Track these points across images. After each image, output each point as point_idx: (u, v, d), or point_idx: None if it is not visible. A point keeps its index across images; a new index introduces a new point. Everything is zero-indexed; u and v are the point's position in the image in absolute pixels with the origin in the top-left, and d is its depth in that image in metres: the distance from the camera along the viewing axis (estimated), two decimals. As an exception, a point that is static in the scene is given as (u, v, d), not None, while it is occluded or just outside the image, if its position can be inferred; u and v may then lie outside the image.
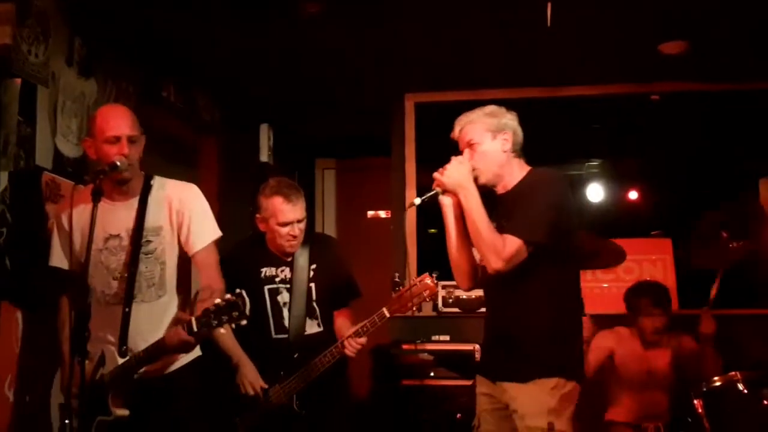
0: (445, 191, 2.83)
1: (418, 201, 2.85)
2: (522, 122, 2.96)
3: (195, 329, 2.67)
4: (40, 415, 3.05)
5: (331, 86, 5.41)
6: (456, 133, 2.93)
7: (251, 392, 3.33)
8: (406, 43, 4.61)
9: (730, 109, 5.54)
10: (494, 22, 4.29)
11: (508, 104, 3.02)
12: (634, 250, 4.51)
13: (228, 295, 2.61)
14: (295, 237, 3.39)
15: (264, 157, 6.02)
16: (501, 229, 2.72)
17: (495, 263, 2.66)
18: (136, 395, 2.85)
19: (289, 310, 3.41)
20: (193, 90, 5.19)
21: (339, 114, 6.08)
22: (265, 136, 6.04)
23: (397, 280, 5.06)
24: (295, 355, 3.36)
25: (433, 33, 4.45)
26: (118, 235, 2.91)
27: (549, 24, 4.08)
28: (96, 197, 2.69)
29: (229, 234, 5.16)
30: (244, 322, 2.59)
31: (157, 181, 3.02)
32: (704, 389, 3.63)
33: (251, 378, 3.35)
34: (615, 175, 6.70)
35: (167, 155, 3.14)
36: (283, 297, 3.44)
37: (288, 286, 3.44)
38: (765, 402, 3.50)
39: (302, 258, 3.46)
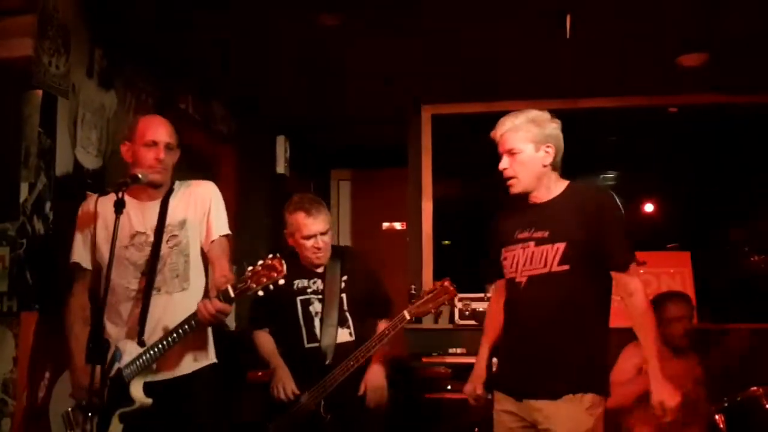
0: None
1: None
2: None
3: (232, 295, 2.74)
4: (39, 423, 3.08)
5: (348, 97, 5.44)
6: (497, 135, 2.85)
7: (284, 397, 3.40)
8: (423, 54, 4.62)
9: (748, 122, 5.52)
10: (513, 34, 4.30)
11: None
12: (653, 263, 4.49)
13: (269, 257, 2.73)
14: (319, 248, 3.49)
15: (280, 168, 6.05)
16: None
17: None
18: (151, 395, 2.90)
19: (321, 320, 3.48)
20: (211, 101, 5.22)
21: (355, 125, 6.11)
22: (282, 148, 6.07)
23: (413, 292, 5.09)
24: (327, 362, 3.42)
25: (450, 45, 4.46)
26: (144, 233, 3.01)
27: (568, 35, 4.09)
28: (119, 209, 2.72)
29: (246, 243, 5.23)
30: (282, 281, 2.71)
31: (179, 184, 3.15)
32: (726, 404, 3.59)
33: (285, 383, 3.42)
34: (631, 187, 6.69)
35: (185, 165, 3.18)
36: (315, 307, 3.52)
37: (320, 296, 3.52)
38: (787, 418, 3.47)
39: (334, 270, 3.56)
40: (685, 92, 5.26)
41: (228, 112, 5.43)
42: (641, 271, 4.62)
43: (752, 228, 4.04)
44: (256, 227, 5.73)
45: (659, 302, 4.18)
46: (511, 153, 2.79)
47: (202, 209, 3.08)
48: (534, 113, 2.80)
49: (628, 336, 4.23)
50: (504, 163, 2.81)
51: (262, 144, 5.96)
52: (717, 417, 3.57)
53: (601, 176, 6.54)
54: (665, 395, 2.67)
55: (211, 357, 3.10)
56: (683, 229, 6.01)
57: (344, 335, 3.51)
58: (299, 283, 3.55)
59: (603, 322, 2.79)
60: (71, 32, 3.66)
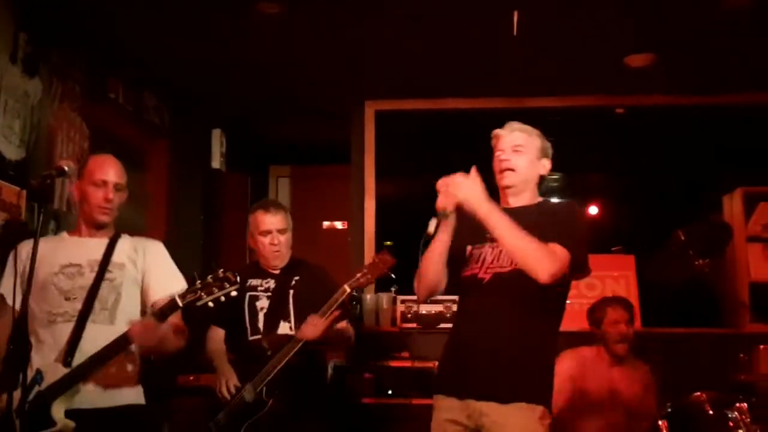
0: (450, 209, 2.74)
1: (432, 229, 2.73)
2: (482, 133, 3.02)
3: (180, 305, 2.81)
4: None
5: (288, 91, 5.40)
6: (504, 132, 2.92)
7: (225, 392, 3.53)
8: (367, 49, 4.62)
9: (696, 124, 5.66)
10: (458, 31, 4.32)
11: (470, 113, 3.05)
12: (597, 266, 4.50)
13: (220, 271, 2.83)
14: (275, 245, 3.67)
15: (216, 163, 5.99)
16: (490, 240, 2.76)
17: (551, 268, 2.60)
18: (79, 423, 2.85)
19: (265, 315, 3.64)
20: (143, 91, 5.13)
21: (295, 119, 6.07)
22: (218, 142, 6.01)
23: (355, 293, 5.07)
24: (268, 353, 3.51)
25: (395, 39, 4.46)
26: (78, 265, 3.01)
27: (515, 33, 4.13)
28: (41, 202, 2.70)
29: (178, 241, 5.15)
30: (234, 293, 2.83)
31: (126, 235, 3.17)
32: (669, 410, 3.67)
33: (228, 378, 3.56)
34: (575, 189, 6.80)
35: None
36: (262, 303, 3.67)
37: (269, 294, 3.68)
38: (731, 424, 3.55)
39: (288, 272, 3.74)
40: (632, 93, 5.36)
41: (161, 103, 5.34)
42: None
43: (697, 231, 4.14)
44: (190, 224, 5.66)
45: (599, 307, 4.28)
46: (516, 150, 2.87)
47: (152, 262, 3.13)
48: (538, 131, 2.96)
49: (570, 339, 4.36)
50: (507, 155, 2.88)
51: (196, 137, 5.89)
52: (660, 423, 3.64)
53: (546, 177, 6.62)
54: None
55: (139, 396, 3.07)
56: (628, 233, 6.14)
57: (285, 328, 3.63)
58: (252, 281, 3.73)
59: (557, 332, 2.85)
60: (-7, 15, 3.57)
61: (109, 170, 3.05)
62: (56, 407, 2.84)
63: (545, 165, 2.95)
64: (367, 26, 4.30)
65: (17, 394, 2.72)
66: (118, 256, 3.08)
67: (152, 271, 3.14)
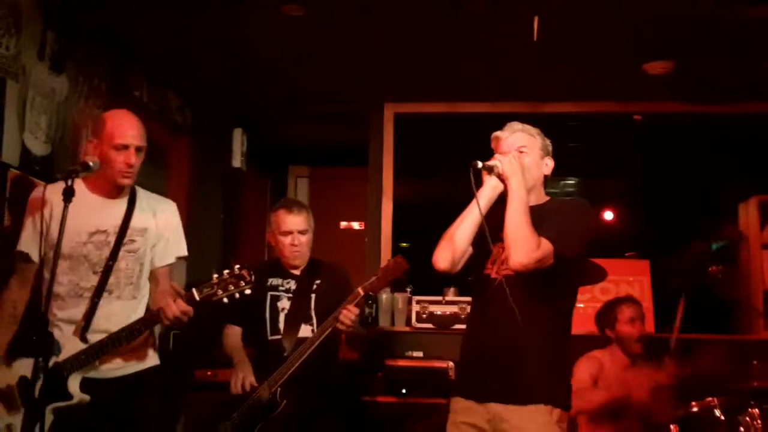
0: (498, 173, 2.74)
1: (480, 165, 2.72)
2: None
3: (197, 298, 2.85)
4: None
5: (309, 92, 5.40)
6: (504, 134, 2.89)
7: (239, 388, 3.52)
8: (388, 51, 4.62)
9: (713, 132, 5.62)
10: (479, 35, 4.32)
11: (489, 118, 3.04)
12: (612, 271, 4.54)
13: (236, 267, 2.87)
14: (296, 246, 3.67)
15: (236, 162, 6.00)
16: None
17: (524, 258, 2.60)
18: (95, 393, 2.89)
19: (286, 316, 3.62)
20: (166, 90, 5.15)
21: (315, 121, 6.08)
22: (239, 141, 6.01)
23: (370, 294, 5.08)
24: (286, 354, 3.51)
25: (415, 43, 4.46)
26: (105, 231, 2.98)
27: (535, 38, 4.12)
28: (67, 197, 2.67)
29: (197, 238, 5.17)
30: (248, 291, 2.89)
31: (142, 192, 3.14)
32: (681, 415, 3.65)
33: (246, 376, 3.54)
34: (591, 194, 6.76)
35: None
36: (283, 303, 3.66)
37: (290, 295, 3.67)
38: (741, 429, 3.53)
39: (309, 274, 3.74)
40: (650, 100, 5.34)
41: (183, 102, 5.37)
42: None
43: (712, 238, 4.12)
44: (210, 222, 5.68)
45: (611, 307, 4.27)
46: (521, 151, 2.84)
47: (165, 227, 3.13)
48: (539, 130, 2.93)
49: (580, 343, 4.34)
50: None
51: (217, 137, 5.90)
52: (672, 427, 3.63)
53: (562, 182, 6.61)
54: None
55: (154, 359, 3.14)
56: (643, 238, 6.11)
57: (306, 331, 3.61)
58: (273, 281, 3.71)
59: (569, 334, 2.84)
60: (23, 12, 3.60)
61: (131, 132, 2.95)
62: (72, 381, 2.86)
63: (548, 164, 2.91)
64: (387, 30, 4.30)
65: (18, 364, 2.85)
66: (139, 220, 3.04)
67: (164, 237, 3.14)
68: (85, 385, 2.88)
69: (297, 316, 3.62)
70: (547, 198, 2.94)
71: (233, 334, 3.76)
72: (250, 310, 3.63)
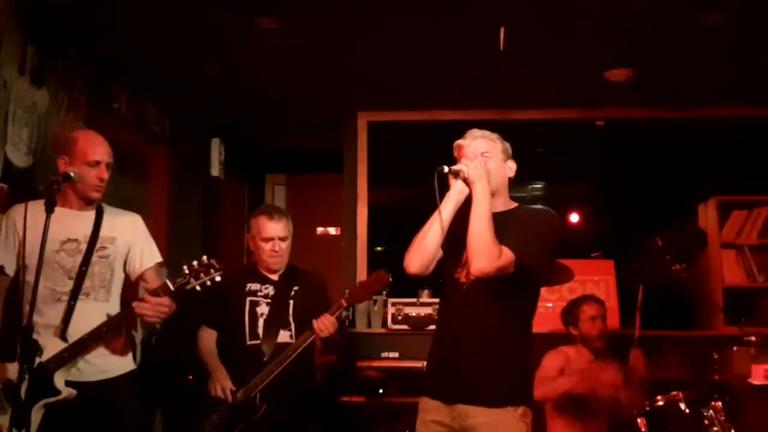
0: (464, 178, 2.76)
1: (447, 169, 2.75)
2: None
3: (171, 288, 2.96)
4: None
5: (284, 102, 5.40)
6: (467, 141, 2.88)
7: (220, 394, 3.51)
8: (360, 62, 4.62)
9: (672, 136, 5.69)
10: (448, 46, 4.33)
11: (459, 125, 3.05)
12: (578, 271, 4.58)
13: (204, 258, 2.97)
14: (276, 252, 3.65)
15: (215, 171, 5.98)
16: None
17: (485, 266, 2.62)
18: (79, 394, 2.98)
19: (265, 321, 3.60)
20: (145, 102, 5.11)
21: (291, 129, 6.07)
22: (216, 151, 5.99)
23: (346, 296, 5.07)
24: (265, 359, 3.51)
25: (387, 54, 4.47)
26: (76, 240, 3.10)
27: (502, 48, 4.15)
28: (49, 207, 2.73)
29: (178, 244, 5.15)
30: (218, 278, 2.98)
31: (107, 206, 3.26)
32: (647, 408, 3.69)
33: (222, 381, 3.54)
34: (557, 197, 6.82)
35: (118, 166, 3.21)
36: (262, 309, 3.64)
37: (269, 301, 3.65)
38: (705, 421, 3.57)
39: (287, 280, 3.72)
40: (611, 106, 5.38)
41: (162, 113, 5.33)
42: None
43: (673, 238, 4.16)
44: (189, 228, 5.65)
45: (574, 306, 4.34)
46: (483, 156, 2.82)
47: (132, 235, 3.24)
48: (498, 134, 2.93)
49: (547, 341, 4.40)
50: None
51: (196, 146, 5.87)
52: (639, 420, 3.67)
53: (529, 186, 6.65)
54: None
55: (131, 364, 3.23)
56: (607, 239, 6.16)
57: (285, 336, 3.61)
58: (252, 286, 3.70)
59: (531, 334, 2.87)
60: (3, 28, 3.55)
61: (101, 149, 3.11)
62: (58, 377, 2.95)
63: (511, 167, 2.91)
64: (360, 41, 4.31)
65: (11, 366, 2.89)
66: (108, 229, 3.16)
67: (136, 245, 3.23)
68: (69, 386, 2.97)
69: (276, 322, 3.60)
70: (515, 204, 2.94)
71: (208, 338, 3.72)
72: (228, 313, 3.62)
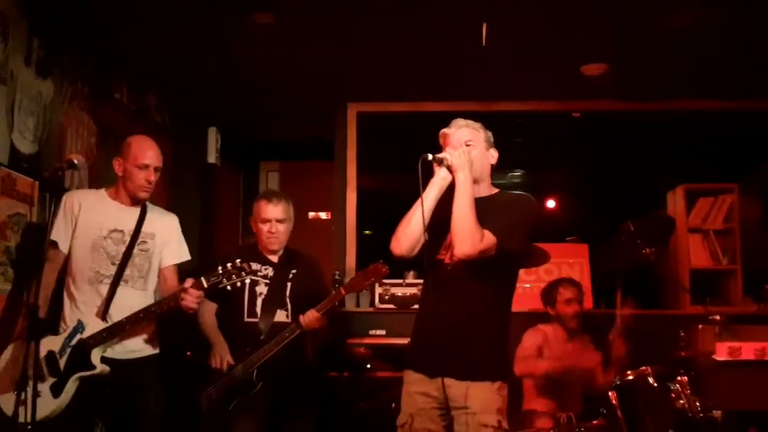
0: (448, 165, 2.77)
1: (431, 157, 2.75)
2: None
3: (205, 285, 3.10)
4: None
5: (278, 94, 5.38)
6: (451, 130, 2.89)
7: (220, 365, 3.53)
8: (350, 56, 4.61)
9: (643, 127, 5.72)
10: (433, 41, 4.34)
11: (444, 116, 3.05)
12: (554, 253, 4.61)
13: (237, 261, 3.12)
14: (273, 233, 3.68)
15: (211, 158, 5.96)
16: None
17: (468, 249, 2.64)
18: (111, 369, 3.14)
19: (264, 300, 3.63)
20: (146, 92, 5.10)
21: (284, 119, 6.05)
22: (213, 139, 5.98)
23: (337, 277, 5.09)
24: (262, 337, 3.53)
25: (376, 48, 4.47)
26: (121, 231, 3.26)
27: (484, 44, 4.15)
28: (52, 191, 2.92)
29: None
30: (248, 280, 3.23)
31: (151, 205, 3.43)
32: (618, 382, 3.72)
33: (222, 354, 3.57)
34: (535, 184, 6.85)
35: (119, 153, 3.22)
36: (260, 288, 3.65)
37: (267, 281, 3.67)
38: (672, 395, 3.61)
39: (286, 262, 3.74)
40: (587, 99, 5.40)
41: (161, 103, 5.31)
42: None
43: (644, 223, 4.19)
44: (188, 214, 5.62)
45: (552, 287, 4.37)
46: (467, 145, 2.83)
47: (168, 234, 3.39)
48: (481, 123, 2.93)
49: (526, 320, 4.44)
50: None
51: (194, 135, 5.85)
52: (610, 393, 3.70)
53: (509, 174, 6.67)
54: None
55: (156, 348, 3.38)
56: (582, 224, 6.19)
57: (281, 316, 3.62)
58: (253, 265, 3.61)
59: (510, 314, 2.89)
60: (9, 22, 3.53)
61: (151, 154, 3.28)
62: (95, 354, 3.11)
63: (493, 154, 2.92)
64: (350, 36, 4.30)
65: (46, 341, 3.06)
66: (149, 225, 3.31)
67: (170, 244, 3.39)
68: (104, 362, 3.14)
69: (273, 302, 3.61)
70: (496, 190, 2.95)
71: (208, 311, 3.71)
72: (228, 291, 3.60)
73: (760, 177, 5.79)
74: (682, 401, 3.58)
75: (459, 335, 2.76)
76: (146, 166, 3.24)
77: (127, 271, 3.23)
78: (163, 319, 4.77)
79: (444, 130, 2.92)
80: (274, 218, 3.67)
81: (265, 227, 3.68)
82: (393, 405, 4.20)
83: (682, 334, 4.22)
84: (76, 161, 2.97)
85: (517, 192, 2.95)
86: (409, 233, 2.81)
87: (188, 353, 4.40)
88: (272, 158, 7.09)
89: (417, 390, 2.81)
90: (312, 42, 4.38)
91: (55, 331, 3.15)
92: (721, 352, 3.51)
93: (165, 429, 3.55)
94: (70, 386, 3.06)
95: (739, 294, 5.32)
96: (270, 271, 3.68)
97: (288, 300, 3.64)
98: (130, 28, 4.14)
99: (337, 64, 4.77)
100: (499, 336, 2.83)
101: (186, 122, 5.65)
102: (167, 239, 3.38)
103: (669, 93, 5.23)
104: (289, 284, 3.66)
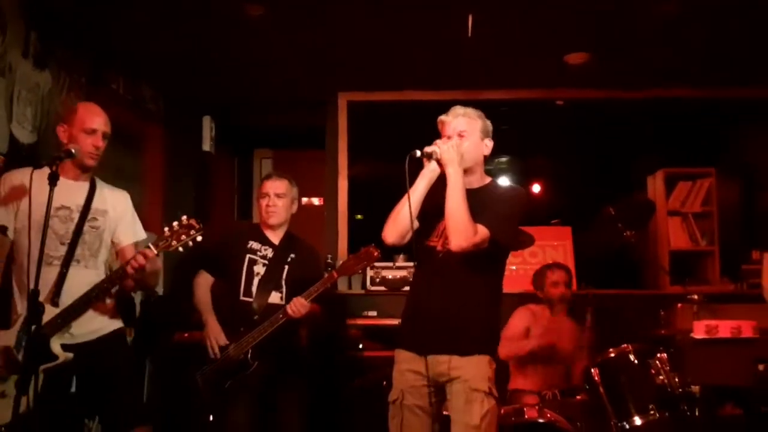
0: (437, 159, 2.75)
1: (419, 153, 2.73)
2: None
3: (155, 252, 2.88)
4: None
5: (270, 82, 5.35)
6: (448, 118, 2.86)
7: (213, 346, 3.50)
8: (341, 46, 4.59)
9: (624, 114, 5.74)
10: (421, 32, 4.32)
11: (432, 104, 3.03)
12: (538, 236, 4.62)
13: (184, 217, 2.88)
14: (270, 207, 3.63)
15: (206, 146, 5.93)
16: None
17: (462, 242, 2.65)
18: (73, 360, 2.90)
19: (260, 281, 3.58)
20: (141, 83, 5.07)
21: (277, 108, 6.02)
22: (208, 127, 5.94)
23: (329, 261, 5.10)
24: (255, 317, 3.49)
25: (366, 39, 4.45)
26: (69, 207, 2.99)
27: (470, 34, 4.15)
28: (53, 180, 2.67)
29: (172, 215, 5.06)
30: (199, 238, 2.90)
31: (100, 180, 3.15)
32: (600, 359, 3.75)
33: (216, 334, 3.53)
34: (520, 170, 6.87)
35: (115, 143, 3.16)
36: (258, 268, 3.61)
37: (266, 262, 3.61)
38: (652, 371, 3.64)
39: (286, 246, 3.68)
40: (570, 87, 5.40)
41: (157, 92, 5.28)
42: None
43: (625, 207, 4.22)
44: (183, 200, 5.62)
45: (542, 271, 4.40)
46: (461, 135, 2.82)
47: (122, 211, 3.15)
48: (480, 112, 2.89)
49: (516, 300, 4.46)
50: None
51: (188, 123, 5.82)
52: (593, 370, 3.73)
53: (496, 160, 6.68)
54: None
55: (119, 323, 3.14)
56: (566, 208, 6.22)
57: (275, 298, 3.58)
58: (253, 244, 3.66)
59: (500, 294, 2.91)
60: (7, 15, 3.51)
61: (99, 119, 3.01)
62: (54, 343, 2.85)
63: (488, 144, 2.88)
64: (340, 26, 4.28)
65: (6, 333, 2.81)
66: (99, 202, 3.06)
67: (123, 219, 3.14)
68: (66, 350, 2.89)
69: (269, 283, 3.57)
70: (489, 179, 2.94)
71: (204, 284, 3.67)
72: (228, 264, 3.61)
73: (736, 161, 5.84)
74: (661, 377, 3.61)
75: (449, 316, 2.78)
76: (93, 131, 2.97)
77: (78, 250, 2.97)
78: (161, 300, 4.86)
79: (441, 117, 2.89)
80: (272, 192, 3.63)
81: (264, 201, 3.65)
82: (384, 383, 4.25)
83: (662, 313, 4.26)
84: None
85: (512, 185, 2.96)
86: (398, 225, 2.81)
87: (186, 335, 4.40)
88: (266, 146, 7.06)
89: (408, 368, 2.82)
90: (302, 33, 4.35)
91: (6, 325, 2.87)
92: (699, 330, 3.55)
93: (151, 402, 3.46)
94: (37, 380, 2.71)
95: (716, 274, 5.37)
96: (269, 253, 3.63)
97: (284, 283, 3.60)
98: (124, 20, 4.10)
99: (327, 54, 4.75)
100: (490, 315, 2.85)
101: (181, 111, 5.62)
102: (120, 216, 3.14)
103: (649, 81, 5.23)
104: (286, 267, 3.61)
